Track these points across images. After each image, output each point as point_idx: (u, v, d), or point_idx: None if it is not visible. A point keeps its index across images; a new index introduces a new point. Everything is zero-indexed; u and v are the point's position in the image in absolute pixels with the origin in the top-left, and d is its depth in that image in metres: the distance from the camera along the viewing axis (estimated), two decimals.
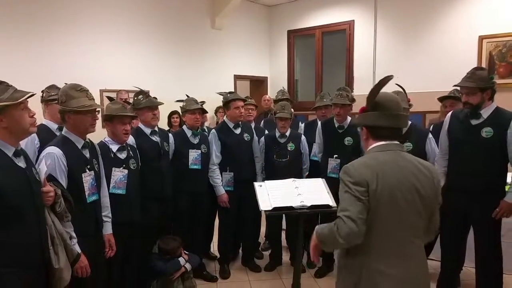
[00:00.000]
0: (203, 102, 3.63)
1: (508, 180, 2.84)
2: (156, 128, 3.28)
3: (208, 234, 4.07)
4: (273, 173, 3.61)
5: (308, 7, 7.41)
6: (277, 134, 3.78)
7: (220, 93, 3.86)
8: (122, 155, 2.78)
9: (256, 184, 2.97)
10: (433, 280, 3.17)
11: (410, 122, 3.12)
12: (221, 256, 3.91)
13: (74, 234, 2.08)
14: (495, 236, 2.81)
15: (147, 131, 3.22)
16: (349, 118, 3.59)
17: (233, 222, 3.82)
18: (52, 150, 2.16)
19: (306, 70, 7.81)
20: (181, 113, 3.79)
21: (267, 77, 8.08)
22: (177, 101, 3.79)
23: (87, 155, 2.33)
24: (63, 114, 2.25)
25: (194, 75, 6.63)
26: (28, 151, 2.12)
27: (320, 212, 2.88)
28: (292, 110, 3.87)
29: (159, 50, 6.19)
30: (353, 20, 6.85)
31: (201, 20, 6.82)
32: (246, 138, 3.76)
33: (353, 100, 3.56)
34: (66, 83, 2.35)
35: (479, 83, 2.68)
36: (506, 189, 2.77)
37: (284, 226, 4.07)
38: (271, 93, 7.29)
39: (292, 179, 2.98)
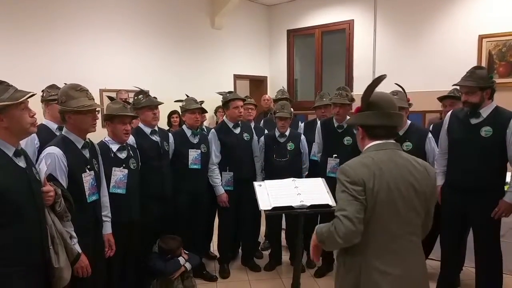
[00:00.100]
0: (201, 102, 3.64)
1: (508, 179, 2.83)
2: (156, 128, 3.29)
3: (207, 234, 4.07)
4: (273, 172, 3.61)
5: (307, 6, 7.41)
6: (277, 133, 3.78)
7: (220, 93, 3.86)
8: (122, 155, 2.78)
9: (256, 184, 2.97)
10: (433, 280, 3.18)
11: (409, 122, 3.13)
12: (221, 255, 3.91)
13: (74, 234, 2.08)
14: (494, 236, 2.81)
15: (147, 130, 3.22)
16: (348, 118, 3.59)
17: (233, 222, 3.82)
18: (52, 150, 2.16)
19: (306, 69, 7.82)
20: (180, 113, 3.79)
21: (266, 76, 8.08)
22: (176, 101, 3.79)
23: (87, 155, 2.33)
24: (63, 114, 2.25)
25: (194, 74, 6.64)
26: (28, 151, 2.12)
27: (320, 211, 2.88)
28: (292, 109, 3.87)
29: (158, 49, 6.19)
30: (353, 20, 6.85)
31: (200, 20, 6.81)
32: (245, 138, 3.76)
33: (352, 99, 3.56)
34: (65, 83, 2.35)
35: (479, 82, 2.68)
36: (506, 189, 2.77)
37: (284, 225, 4.08)
38: (271, 92, 7.30)
39: (292, 178, 2.98)
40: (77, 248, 2.08)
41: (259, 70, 7.91)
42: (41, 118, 2.61)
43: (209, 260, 4.08)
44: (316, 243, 1.76)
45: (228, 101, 3.69)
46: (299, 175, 3.51)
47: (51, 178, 2.01)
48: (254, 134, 3.89)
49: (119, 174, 2.72)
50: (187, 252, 3.29)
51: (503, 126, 2.67)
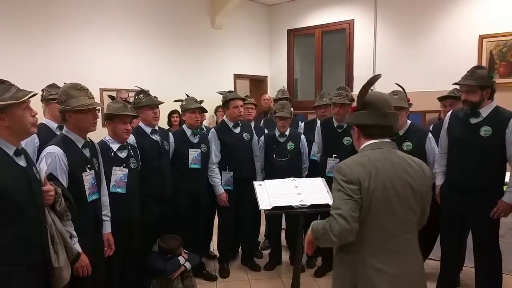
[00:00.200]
0: (201, 101, 3.64)
1: (507, 179, 2.83)
2: (156, 127, 3.29)
3: (207, 233, 4.07)
4: (273, 172, 3.62)
5: (308, 6, 7.41)
6: (277, 133, 3.78)
7: (220, 92, 3.86)
8: (123, 154, 2.78)
9: (256, 184, 2.97)
10: (433, 280, 3.18)
11: (410, 122, 3.13)
12: (221, 255, 3.91)
13: (74, 233, 2.08)
14: (493, 236, 2.81)
15: (148, 130, 3.22)
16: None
17: (233, 222, 3.82)
18: (53, 149, 2.16)
19: (306, 69, 7.81)
20: (180, 112, 3.79)
21: (266, 76, 8.08)
22: (176, 100, 3.79)
23: (88, 154, 2.33)
24: (63, 114, 2.25)
25: (194, 74, 6.64)
26: (28, 150, 2.11)
27: (320, 211, 2.88)
28: (292, 109, 3.87)
29: (159, 49, 6.19)
30: (353, 20, 6.85)
31: (201, 19, 6.81)
32: (245, 137, 3.76)
33: (352, 99, 3.56)
34: (65, 83, 2.35)
35: (479, 81, 2.68)
36: (505, 189, 2.77)
37: (283, 225, 4.08)
38: (271, 92, 7.30)
39: (292, 178, 2.98)
40: (77, 247, 2.09)
41: (259, 70, 7.91)
42: (41, 118, 2.61)
43: (209, 260, 4.08)
44: (311, 238, 1.78)
45: (228, 100, 3.69)
46: (299, 175, 3.51)
47: (51, 177, 2.01)
48: (254, 134, 3.88)
49: (119, 173, 2.72)
50: (187, 251, 3.29)
51: (502, 126, 2.67)
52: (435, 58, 5.93)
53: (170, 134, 3.52)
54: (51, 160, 2.09)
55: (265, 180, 3.04)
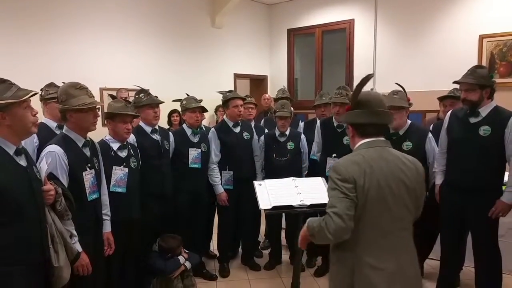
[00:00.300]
0: (200, 101, 3.63)
1: (505, 179, 2.83)
2: (156, 127, 3.28)
3: (207, 233, 4.07)
4: (273, 172, 3.62)
5: (308, 5, 7.41)
6: (277, 133, 3.78)
7: (220, 92, 3.86)
8: (123, 154, 2.78)
9: (256, 183, 2.97)
10: (433, 279, 3.18)
11: (410, 121, 3.13)
12: (221, 254, 3.91)
13: (75, 232, 2.08)
14: (492, 236, 2.80)
15: (148, 129, 3.22)
16: None
17: (233, 221, 3.82)
18: (53, 148, 2.16)
19: (306, 69, 7.81)
20: (181, 112, 3.79)
21: (267, 76, 8.08)
22: (174, 100, 3.79)
23: (88, 154, 2.33)
24: (64, 113, 2.25)
25: (194, 73, 6.63)
26: (27, 149, 2.11)
27: (320, 211, 2.88)
28: (292, 109, 3.87)
29: (159, 48, 6.19)
30: (353, 19, 6.85)
31: (201, 19, 6.81)
32: (245, 137, 3.76)
33: None
34: (64, 82, 2.35)
35: (479, 80, 2.68)
36: (503, 189, 2.76)
37: (283, 225, 4.08)
38: (271, 92, 7.30)
39: (292, 178, 2.98)
40: (77, 246, 2.09)
41: (259, 69, 7.91)
42: (40, 117, 2.61)
43: (209, 259, 4.08)
44: (306, 234, 1.79)
45: (228, 100, 3.69)
46: (299, 175, 3.51)
47: (51, 176, 2.01)
48: (254, 133, 3.88)
49: (119, 173, 2.72)
50: (187, 251, 3.30)
51: (501, 126, 2.67)
52: (435, 58, 5.92)
53: (170, 133, 3.52)
54: (52, 159, 2.09)
55: (265, 180, 3.04)
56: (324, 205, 2.68)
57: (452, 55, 5.71)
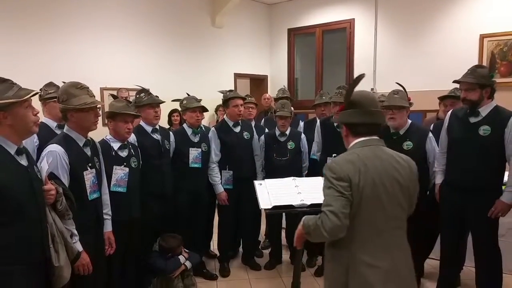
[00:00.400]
0: (200, 100, 3.63)
1: (505, 179, 2.82)
2: (157, 126, 3.29)
3: (208, 233, 4.07)
4: (273, 171, 3.62)
5: (308, 5, 7.41)
6: (277, 132, 3.78)
7: (221, 91, 3.86)
8: (123, 153, 2.78)
9: (256, 183, 2.97)
10: (433, 279, 3.18)
11: (410, 121, 3.13)
12: (221, 254, 3.92)
13: (75, 232, 2.08)
14: (492, 235, 2.80)
15: (149, 129, 3.22)
16: None
17: (233, 221, 3.82)
18: (54, 148, 2.16)
19: (306, 68, 7.81)
20: (181, 111, 3.79)
21: (267, 75, 8.08)
22: (174, 100, 3.78)
23: (89, 153, 2.33)
24: (65, 113, 2.25)
25: (194, 73, 6.64)
26: (27, 149, 2.12)
27: (320, 210, 2.88)
28: (292, 108, 3.87)
29: (159, 48, 6.19)
30: (354, 19, 6.85)
31: (201, 19, 6.81)
32: (245, 137, 3.76)
33: None
34: (64, 82, 2.35)
35: (479, 79, 2.68)
36: (503, 189, 2.76)
37: (284, 224, 4.08)
38: (271, 91, 7.30)
39: (292, 177, 2.98)
40: (78, 246, 2.09)
41: (259, 69, 7.91)
42: (40, 117, 2.61)
43: (209, 259, 4.08)
44: (302, 232, 1.81)
45: (228, 99, 3.69)
46: (299, 174, 3.51)
47: (52, 176, 2.01)
48: (255, 133, 3.89)
49: (120, 172, 2.72)
50: (187, 250, 3.30)
51: (501, 125, 2.66)
52: (436, 57, 5.92)
53: (171, 133, 3.52)
54: (52, 159, 2.09)
55: (265, 179, 3.05)
56: None
57: (452, 55, 5.71)
